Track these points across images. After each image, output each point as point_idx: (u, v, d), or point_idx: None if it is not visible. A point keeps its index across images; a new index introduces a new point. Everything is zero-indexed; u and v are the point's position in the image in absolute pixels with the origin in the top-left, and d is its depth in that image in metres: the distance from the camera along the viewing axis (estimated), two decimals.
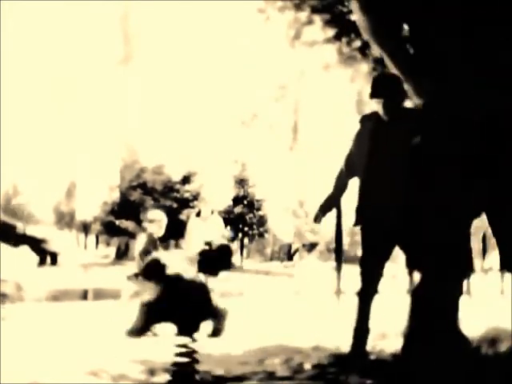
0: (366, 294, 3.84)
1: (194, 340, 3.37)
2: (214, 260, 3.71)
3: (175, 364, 3.29)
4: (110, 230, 24.17)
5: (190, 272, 3.83)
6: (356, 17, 3.13)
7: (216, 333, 3.50)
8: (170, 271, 3.96)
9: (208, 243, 3.89)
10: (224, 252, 3.77)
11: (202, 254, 3.88)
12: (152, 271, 3.85)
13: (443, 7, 2.62)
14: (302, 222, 29.52)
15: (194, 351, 3.35)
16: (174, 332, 3.41)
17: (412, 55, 3.03)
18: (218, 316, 3.51)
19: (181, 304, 3.45)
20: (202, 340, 3.72)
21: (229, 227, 7.81)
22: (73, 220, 29.97)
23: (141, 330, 3.61)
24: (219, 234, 7.59)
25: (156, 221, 5.62)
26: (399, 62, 3.14)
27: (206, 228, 7.58)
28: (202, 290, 3.53)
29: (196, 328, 3.45)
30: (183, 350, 3.32)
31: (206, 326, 3.53)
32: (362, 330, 3.79)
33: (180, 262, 4.04)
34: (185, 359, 3.31)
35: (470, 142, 2.55)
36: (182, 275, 3.74)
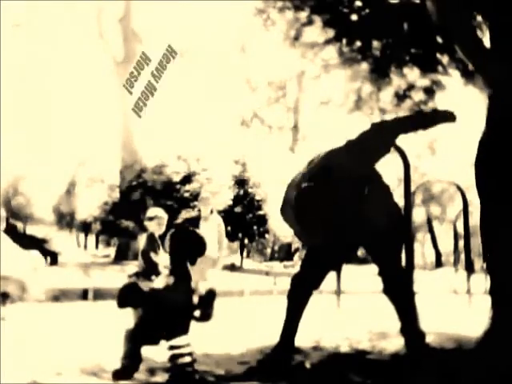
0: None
1: (188, 344, 3.33)
2: (186, 246, 3.60)
3: (175, 364, 3.28)
4: (110, 229, 24.14)
5: (164, 277, 3.70)
6: (428, 4, 3.29)
7: (203, 317, 3.41)
8: (143, 287, 3.86)
9: (178, 225, 3.77)
10: (194, 237, 3.67)
11: (172, 240, 3.76)
12: (126, 298, 3.74)
13: None
14: None
15: (191, 352, 3.34)
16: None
17: (483, 44, 3.16)
18: (203, 304, 3.42)
19: (163, 319, 3.39)
20: (202, 340, 3.72)
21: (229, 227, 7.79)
22: (73, 220, 29.94)
23: (129, 365, 3.50)
24: (218, 233, 7.57)
25: (156, 218, 5.58)
26: (470, 51, 3.27)
27: (206, 228, 7.56)
28: (180, 293, 3.42)
29: (185, 331, 3.40)
30: (179, 351, 3.30)
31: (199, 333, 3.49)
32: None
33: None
34: (183, 359, 3.30)
35: None
36: (156, 288, 3.63)
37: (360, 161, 3.87)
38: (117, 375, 3.42)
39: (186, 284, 3.46)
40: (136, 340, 3.46)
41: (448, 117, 4.11)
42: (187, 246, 3.57)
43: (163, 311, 3.36)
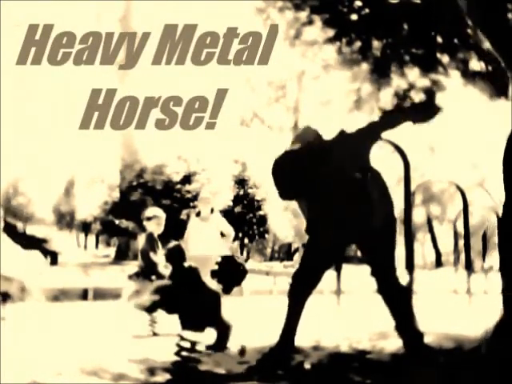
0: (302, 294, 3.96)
1: (196, 342, 3.35)
2: (229, 276, 3.72)
3: (175, 363, 3.29)
4: (110, 229, 24.16)
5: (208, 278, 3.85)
6: (462, 3, 3.39)
7: (217, 346, 3.49)
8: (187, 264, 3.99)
9: (224, 258, 3.91)
10: (239, 271, 3.78)
11: (219, 266, 3.88)
12: (175, 255, 3.87)
13: None
14: (301, 221, 29.49)
15: (195, 350, 3.35)
16: (178, 327, 3.41)
17: None
18: (222, 328, 3.50)
19: (192, 299, 3.45)
20: (202, 340, 3.72)
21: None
22: (73, 220, 29.95)
23: (150, 307, 3.66)
24: (220, 233, 7.55)
25: (154, 218, 5.58)
26: (503, 49, 3.38)
27: (206, 228, 7.55)
28: (215, 297, 3.52)
29: (200, 328, 3.44)
30: (186, 344, 3.32)
31: (210, 334, 3.53)
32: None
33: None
34: (187, 353, 3.31)
35: None
36: (199, 271, 3.76)
37: (349, 147, 3.90)
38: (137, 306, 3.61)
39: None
40: (161, 292, 3.58)
41: (433, 112, 4.17)
42: (234, 276, 3.69)
43: (197, 293, 3.46)
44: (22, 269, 6.45)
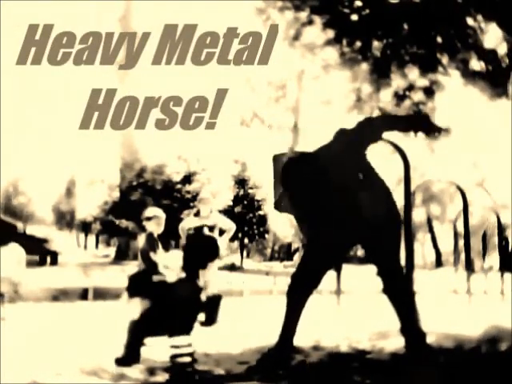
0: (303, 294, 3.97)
1: (189, 344, 3.33)
2: (200, 251, 3.62)
3: (174, 364, 3.28)
4: (110, 229, 24.15)
5: (174, 271, 3.75)
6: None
7: (208, 322, 3.42)
8: (155, 279, 3.90)
9: (196, 228, 3.80)
10: (210, 243, 3.69)
11: (188, 242, 3.80)
12: (136, 286, 3.78)
13: None
14: None
15: (192, 352, 3.34)
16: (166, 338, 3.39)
17: None
18: (209, 307, 3.44)
19: (169, 313, 3.39)
20: (201, 339, 3.72)
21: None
22: (73, 220, 29.93)
23: (131, 354, 3.53)
24: (220, 231, 7.54)
25: (154, 218, 5.57)
26: None
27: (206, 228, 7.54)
28: (189, 289, 3.44)
29: (189, 330, 3.40)
30: (180, 351, 3.30)
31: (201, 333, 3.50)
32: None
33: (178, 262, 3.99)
34: (183, 359, 3.30)
35: None
36: (166, 281, 3.67)
37: (348, 147, 3.93)
38: (118, 362, 3.48)
39: (196, 283, 3.47)
40: (139, 331, 3.49)
41: (435, 130, 4.20)
42: (202, 250, 3.60)
43: (171, 305, 3.38)
44: (6, 265, 6.45)
